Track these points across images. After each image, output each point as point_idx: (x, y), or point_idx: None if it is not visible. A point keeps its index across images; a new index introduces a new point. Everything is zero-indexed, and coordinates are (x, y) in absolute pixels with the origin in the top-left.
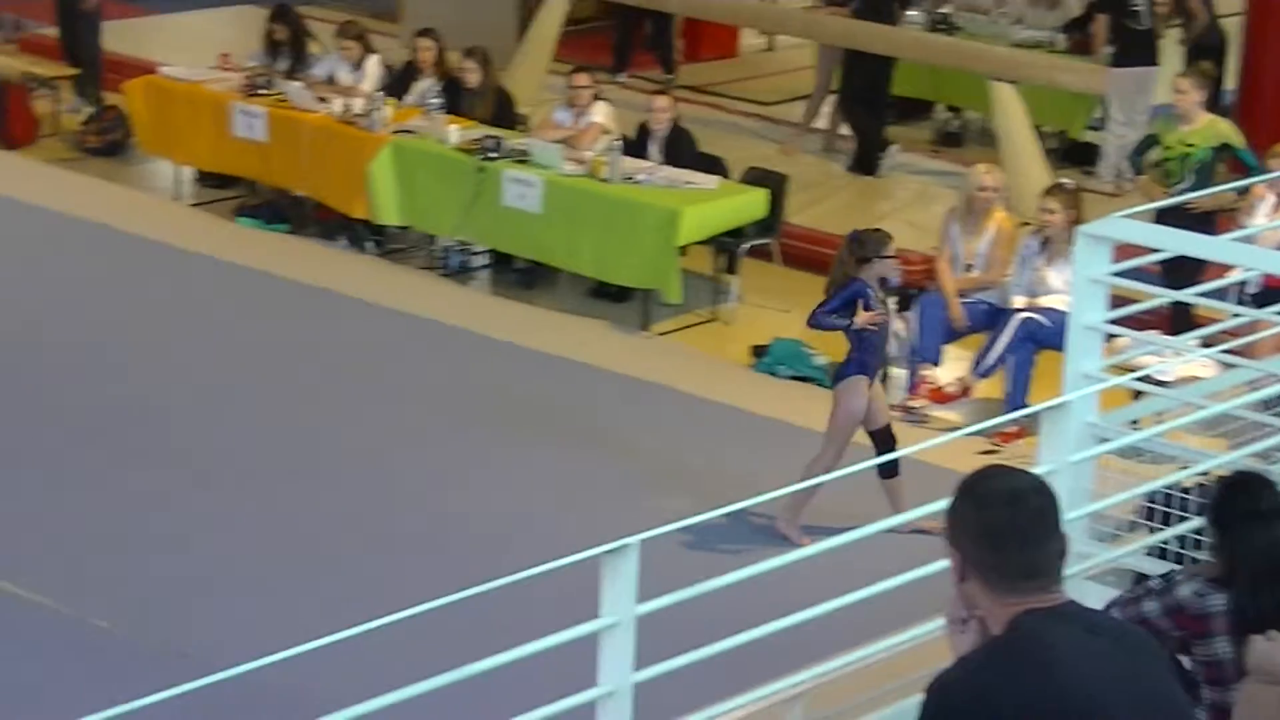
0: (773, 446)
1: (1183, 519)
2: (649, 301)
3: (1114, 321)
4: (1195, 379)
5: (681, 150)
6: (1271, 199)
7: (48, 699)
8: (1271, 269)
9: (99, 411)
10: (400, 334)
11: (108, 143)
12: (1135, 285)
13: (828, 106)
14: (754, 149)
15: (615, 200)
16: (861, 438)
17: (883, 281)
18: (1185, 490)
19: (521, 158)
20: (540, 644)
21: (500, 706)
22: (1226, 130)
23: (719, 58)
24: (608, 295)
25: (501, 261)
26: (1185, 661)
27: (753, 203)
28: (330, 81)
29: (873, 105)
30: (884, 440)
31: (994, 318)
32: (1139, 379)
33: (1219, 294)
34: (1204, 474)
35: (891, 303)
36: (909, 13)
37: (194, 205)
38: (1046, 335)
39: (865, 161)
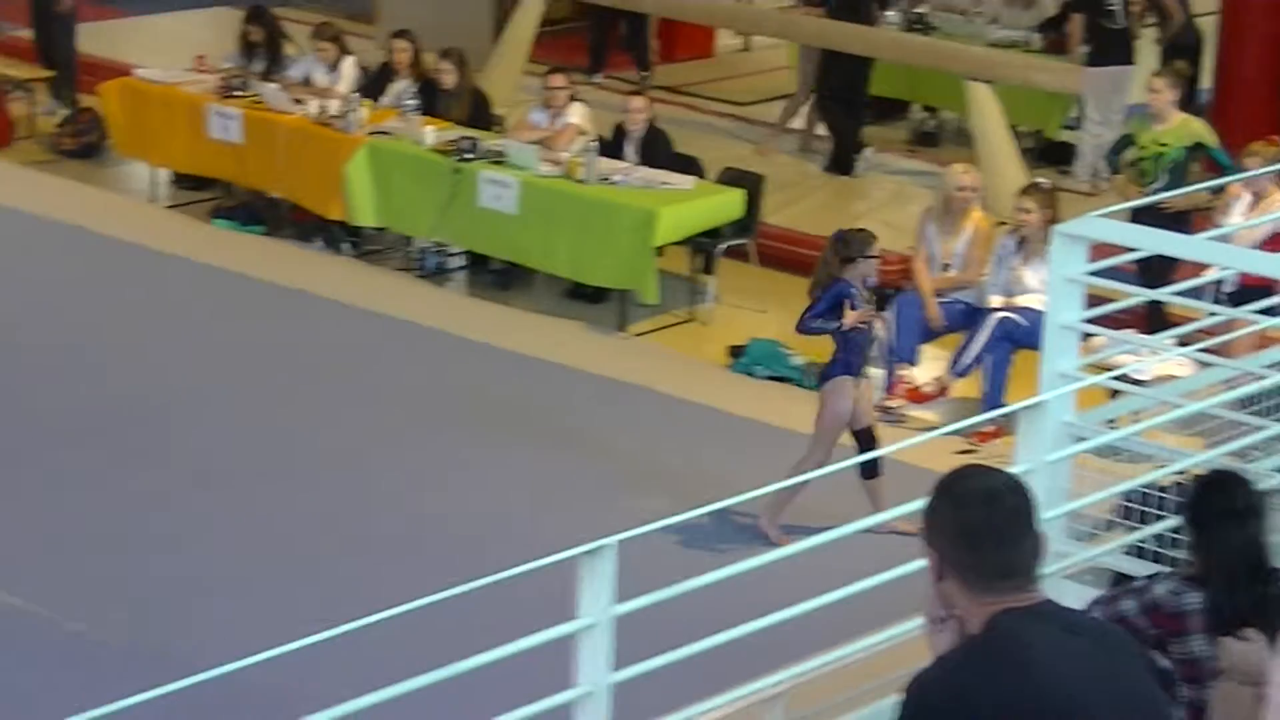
0: (750, 447)
1: (1160, 518)
2: (625, 302)
3: (1090, 320)
4: (1172, 378)
5: (658, 151)
6: (1247, 198)
7: (37, 704)
8: (1247, 268)
9: (74, 414)
10: (377, 335)
11: (83, 145)
12: (1111, 284)
13: (804, 106)
14: (730, 149)
15: (591, 201)
16: (844, 437)
17: (865, 281)
18: (1162, 489)
19: (497, 159)
20: (517, 645)
21: (480, 707)
22: (1200, 129)
23: (695, 58)
24: (584, 296)
25: (478, 262)
26: (1162, 660)
27: (729, 203)
28: (306, 83)
29: (850, 105)
30: (867, 441)
31: (971, 317)
32: (1115, 378)
33: (1195, 293)
34: (1181, 473)
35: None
36: (886, 13)
37: (170, 207)
38: (1023, 335)
39: (841, 162)
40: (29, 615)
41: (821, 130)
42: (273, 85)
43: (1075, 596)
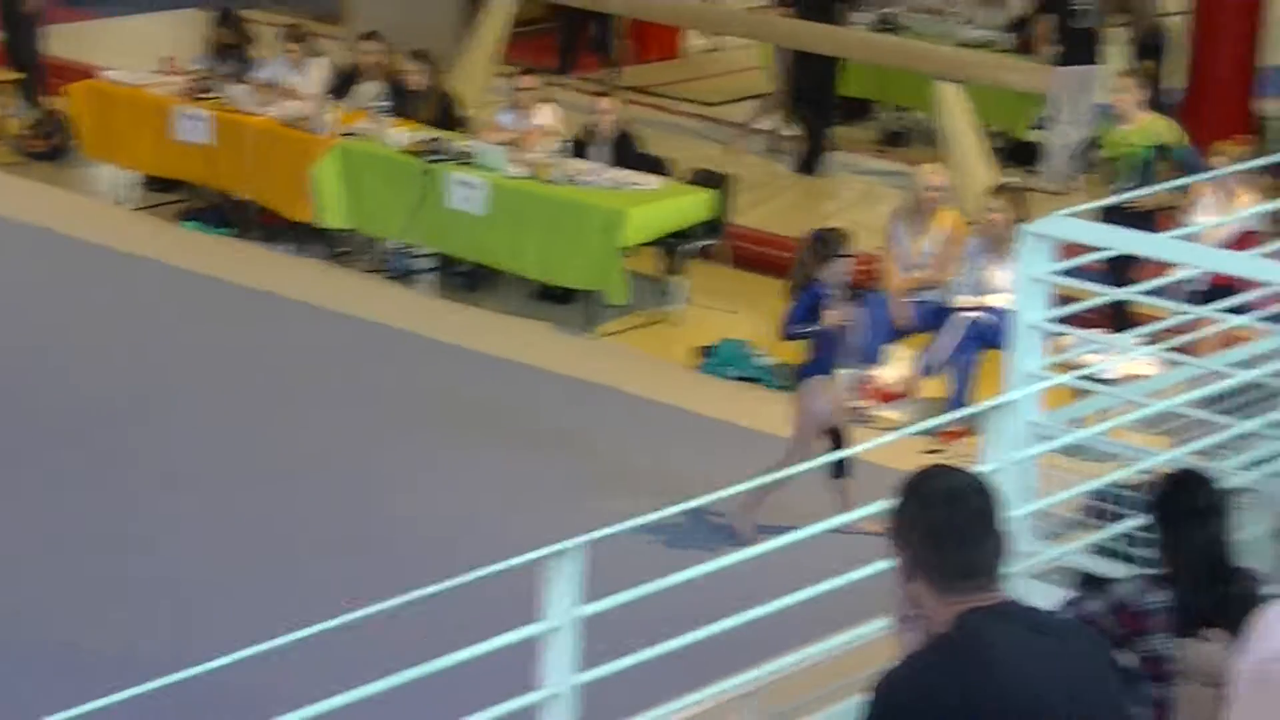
0: (719, 447)
1: (1126, 517)
2: (594, 303)
3: (1057, 320)
4: (1138, 377)
5: (626, 152)
6: (1215, 197)
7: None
8: (1214, 267)
9: (42, 415)
10: (346, 337)
11: (51, 147)
12: (1078, 284)
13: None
14: (699, 150)
15: (560, 202)
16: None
17: (841, 279)
18: (1128, 488)
19: (466, 160)
20: (483, 647)
21: (449, 708)
22: (1164, 129)
23: (663, 59)
24: (552, 297)
25: (446, 264)
26: (1127, 658)
27: (698, 204)
28: (274, 85)
29: (820, 106)
30: (837, 440)
31: (938, 317)
32: (1082, 377)
33: (1162, 292)
34: (1147, 471)
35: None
36: (854, 13)
37: (138, 209)
38: (990, 334)
39: (811, 162)
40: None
41: (790, 130)
42: (241, 87)
43: (1042, 596)
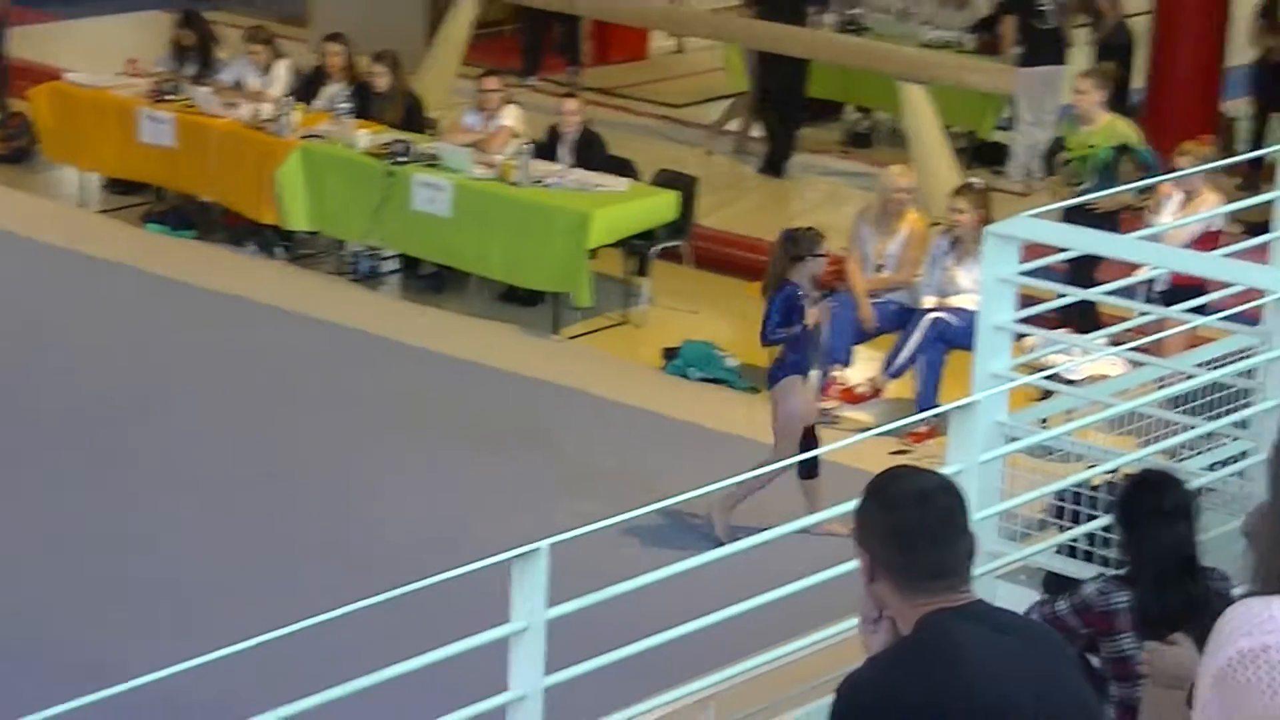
0: (687, 449)
1: (1092, 517)
2: (559, 305)
3: (1023, 320)
4: (1104, 377)
5: (592, 153)
6: (1178, 197)
7: None
8: (1178, 267)
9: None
10: (312, 341)
11: (13, 150)
12: (1043, 284)
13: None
14: (664, 151)
15: (525, 204)
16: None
17: (813, 279)
18: (1094, 488)
19: (431, 162)
20: (449, 649)
21: (416, 711)
22: (1126, 130)
23: (628, 60)
24: (518, 299)
25: (411, 265)
26: (1094, 659)
27: (663, 205)
28: (238, 87)
29: (786, 107)
30: (808, 440)
31: (904, 318)
32: (1047, 378)
33: (1127, 292)
34: (1113, 472)
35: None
36: (819, 14)
37: (101, 212)
38: (956, 335)
39: (778, 164)
40: None
41: (756, 132)
42: (204, 89)
43: (1009, 596)
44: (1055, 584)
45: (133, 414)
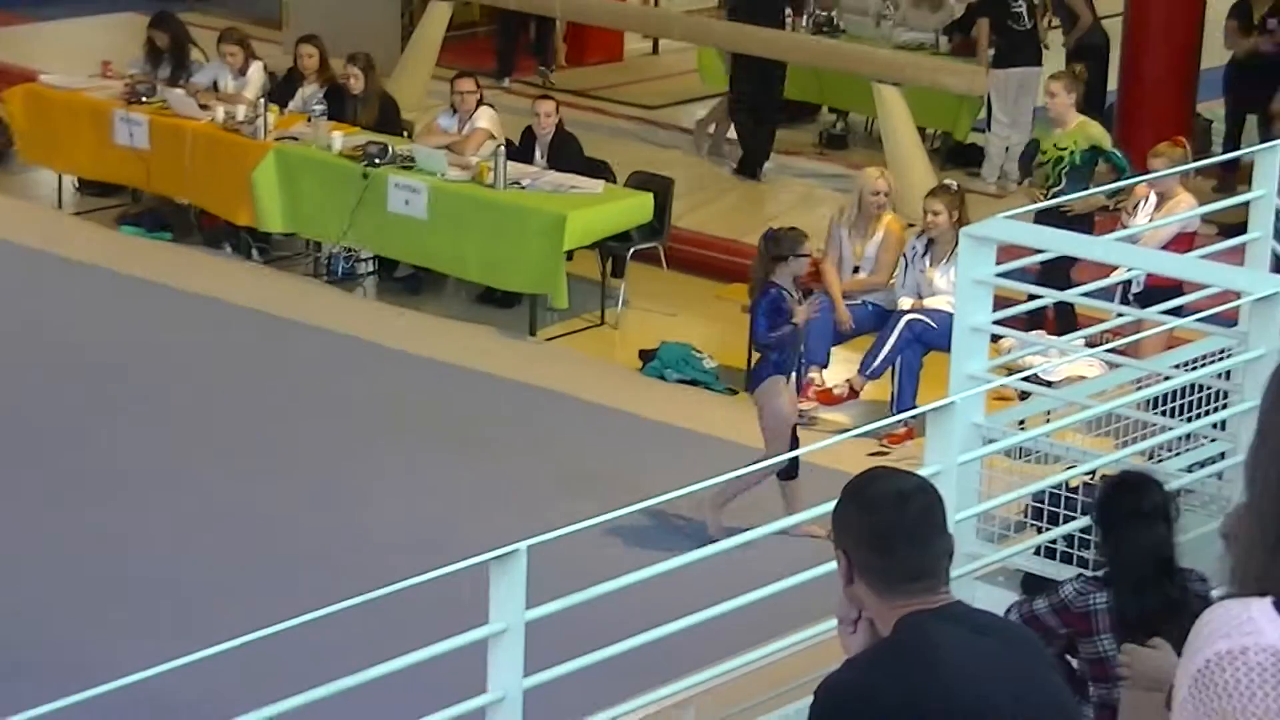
0: (665, 450)
1: (1070, 518)
2: (536, 307)
3: (999, 322)
4: (1081, 379)
5: (567, 155)
6: (1153, 199)
7: None
8: (1153, 268)
9: None
10: (288, 342)
11: None
12: (1020, 286)
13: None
14: (639, 153)
15: (501, 205)
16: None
17: (796, 279)
18: (1072, 489)
19: (406, 164)
20: (428, 651)
21: (399, 712)
22: (1096, 133)
23: (603, 61)
24: (494, 301)
25: (386, 267)
26: (1072, 660)
27: (638, 207)
28: (213, 89)
29: (763, 109)
30: (790, 442)
31: (881, 319)
32: (1024, 379)
33: (1103, 294)
34: (1091, 473)
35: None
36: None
37: (76, 214)
38: (933, 336)
39: (752, 165)
40: None
41: (733, 133)
42: (179, 91)
43: (987, 598)
44: (1033, 585)
45: (108, 416)
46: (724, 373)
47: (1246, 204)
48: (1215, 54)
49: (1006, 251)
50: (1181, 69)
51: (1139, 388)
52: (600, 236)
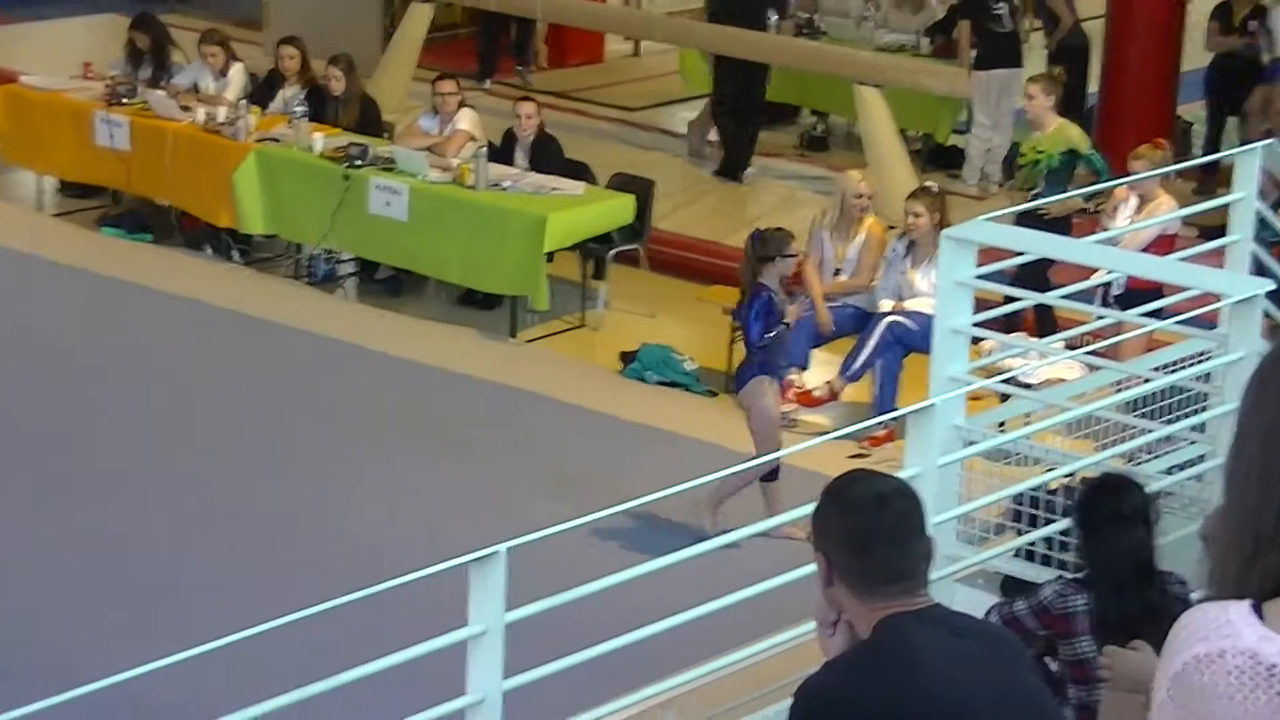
0: (646, 452)
1: (1050, 520)
2: (516, 308)
3: (980, 324)
4: (1061, 381)
5: (548, 156)
6: (1134, 201)
7: None
8: (1133, 271)
9: None
10: (269, 343)
11: None
12: (1000, 288)
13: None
14: (620, 154)
15: (482, 207)
16: (746, 444)
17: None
18: (1052, 492)
19: (388, 165)
20: (407, 653)
21: (380, 713)
22: (1074, 136)
23: (584, 63)
24: (475, 302)
25: (367, 268)
26: (1052, 663)
27: (619, 208)
28: (194, 90)
29: (745, 111)
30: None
31: (861, 321)
32: (1004, 381)
33: (1084, 296)
34: (1071, 475)
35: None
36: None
37: (56, 215)
38: (913, 338)
39: (733, 167)
40: None
41: (715, 135)
42: (160, 92)
43: (967, 600)
44: (1013, 588)
45: (89, 418)
46: (704, 375)
47: (1227, 206)
48: (1196, 56)
49: (987, 254)
50: (1162, 71)
51: (1119, 390)
52: (581, 238)
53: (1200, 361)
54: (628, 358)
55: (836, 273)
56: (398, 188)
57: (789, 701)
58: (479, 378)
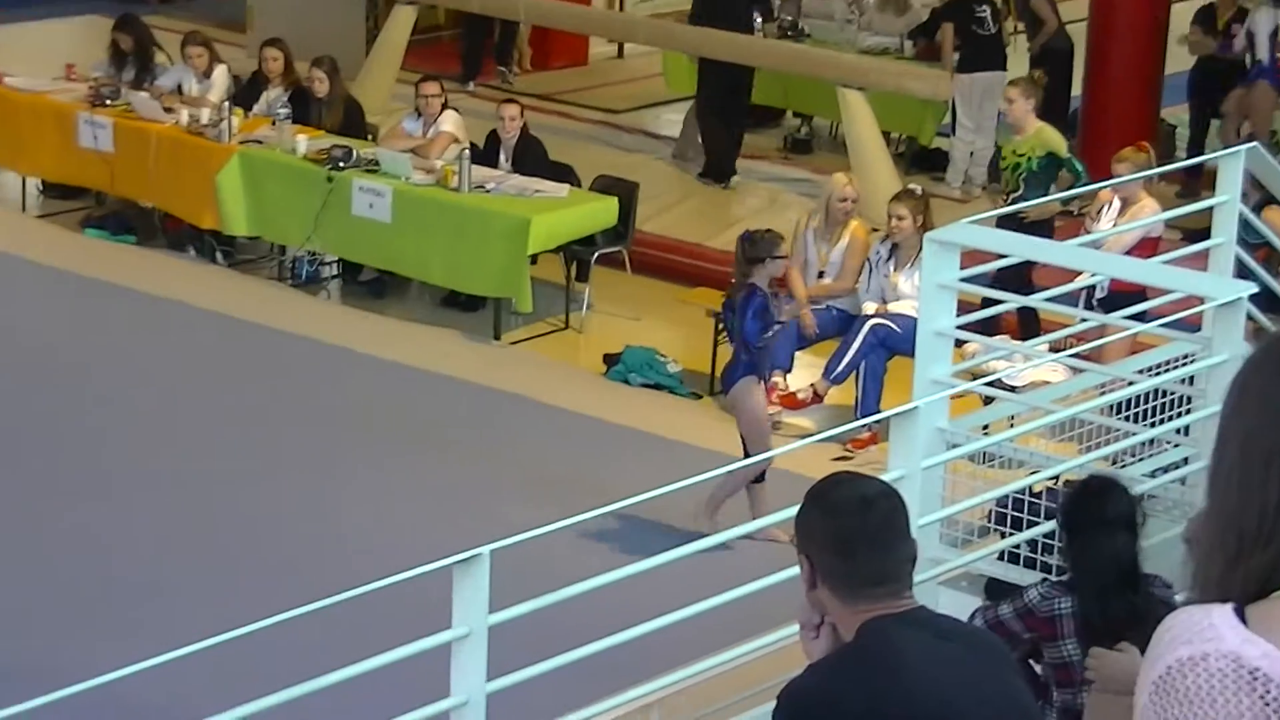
0: (630, 454)
1: (1033, 523)
2: (500, 310)
3: (963, 327)
4: (1045, 384)
5: (532, 158)
6: (1117, 204)
7: None
8: (1118, 274)
9: None
10: (252, 345)
11: None
12: (983, 291)
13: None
14: (604, 156)
15: (465, 209)
16: (730, 446)
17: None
18: (1036, 494)
19: (371, 167)
20: (389, 655)
21: (363, 715)
22: (1053, 139)
23: (569, 65)
24: (458, 304)
25: (352, 271)
26: (1037, 666)
27: (603, 210)
28: (177, 91)
29: (729, 114)
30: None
31: (845, 324)
32: (988, 384)
33: (1067, 299)
34: (1054, 478)
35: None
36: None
37: (40, 216)
38: (897, 341)
39: (718, 170)
40: None
41: (699, 138)
42: (143, 94)
43: (950, 603)
44: (997, 590)
45: (72, 419)
46: (688, 377)
47: (1210, 209)
48: (1180, 59)
49: (971, 256)
50: (1146, 74)
51: (1103, 393)
52: (564, 240)
53: (1184, 364)
54: (611, 360)
55: (820, 275)
56: (381, 190)
57: (771, 705)
58: (462, 379)
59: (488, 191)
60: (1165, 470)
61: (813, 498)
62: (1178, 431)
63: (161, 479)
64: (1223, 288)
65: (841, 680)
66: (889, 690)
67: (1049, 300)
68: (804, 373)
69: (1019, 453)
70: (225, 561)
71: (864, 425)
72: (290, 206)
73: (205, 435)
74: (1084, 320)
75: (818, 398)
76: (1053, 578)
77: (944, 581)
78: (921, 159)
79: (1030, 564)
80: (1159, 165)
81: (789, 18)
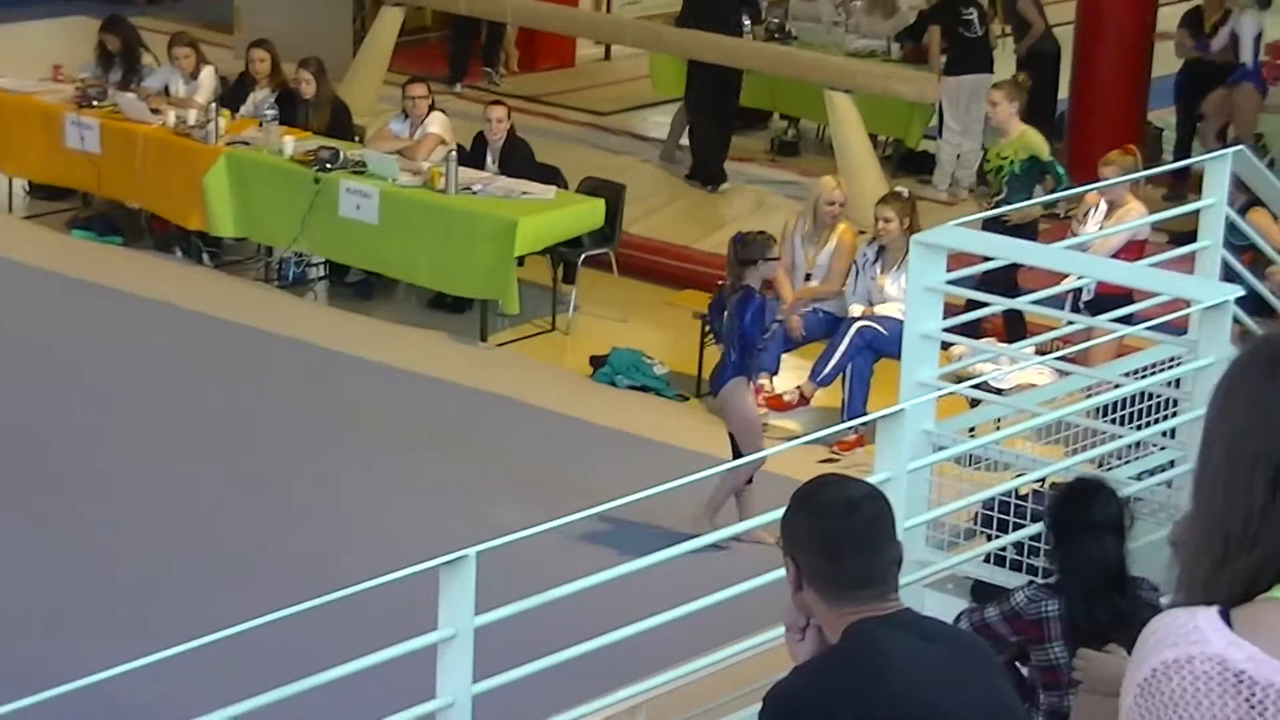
0: (617, 456)
1: (1020, 526)
2: (487, 312)
3: (950, 329)
4: (1031, 386)
5: (518, 160)
6: (1104, 207)
7: None
8: (1104, 276)
9: None
10: (239, 347)
11: None
12: (970, 294)
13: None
14: (591, 158)
15: (452, 211)
16: (717, 448)
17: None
18: (1022, 497)
19: (358, 169)
20: (375, 657)
21: (347, 717)
22: (1035, 143)
23: (555, 67)
24: (445, 306)
25: (338, 271)
26: (1024, 668)
27: (590, 212)
28: (164, 93)
29: (716, 116)
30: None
31: (832, 326)
32: (975, 387)
33: (1054, 301)
34: (1041, 481)
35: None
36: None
37: (26, 217)
38: (884, 343)
39: (705, 172)
40: None
41: (686, 140)
42: (130, 95)
43: (936, 605)
44: (983, 593)
45: (59, 420)
46: (675, 379)
47: (1197, 212)
48: (1167, 62)
49: (957, 259)
50: (1132, 76)
51: (1089, 395)
52: (551, 242)
53: (1170, 367)
54: (598, 362)
55: (807, 278)
56: (368, 191)
57: (757, 706)
58: (449, 381)
59: (474, 193)
60: (1152, 473)
61: (799, 500)
62: (1164, 434)
63: (148, 480)
64: (1209, 291)
65: (827, 682)
66: (875, 692)
67: (1036, 303)
68: (790, 375)
69: (1005, 455)
70: (213, 562)
71: (850, 427)
72: (277, 208)
73: (192, 436)
74: (1070, 323)
75: (804, 400)
76: (1039, 580)
77: (930, 584)
78: (908, 161)
79: (1017, 567)
80: (1145, 168)
81: (776, 20)
